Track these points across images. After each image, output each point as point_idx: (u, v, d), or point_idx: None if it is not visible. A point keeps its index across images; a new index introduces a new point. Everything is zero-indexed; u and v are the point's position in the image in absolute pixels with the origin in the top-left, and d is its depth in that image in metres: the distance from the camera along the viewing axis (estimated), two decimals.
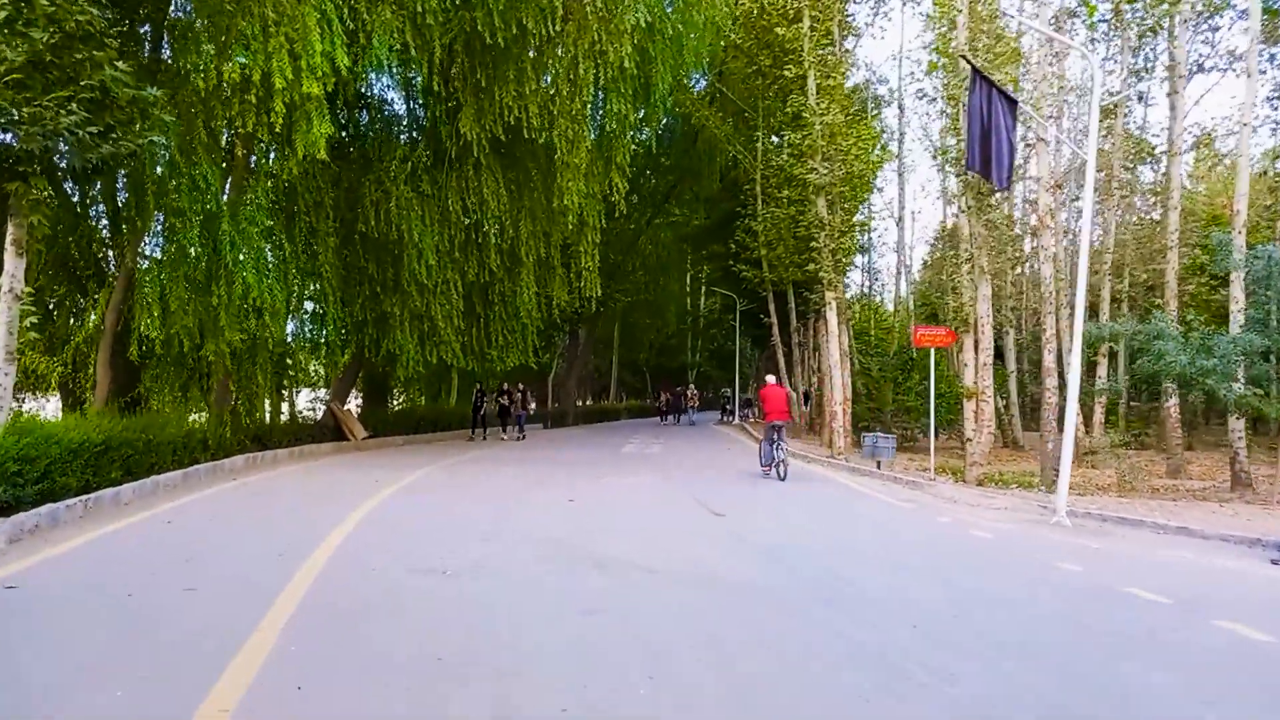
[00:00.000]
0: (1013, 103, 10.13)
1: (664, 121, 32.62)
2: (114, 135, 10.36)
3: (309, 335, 18.54)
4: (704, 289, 54.45)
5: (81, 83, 9.77)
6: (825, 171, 20.04)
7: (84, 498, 9.47)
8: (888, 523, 10.57)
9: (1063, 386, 20.35)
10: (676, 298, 49.55)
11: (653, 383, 54.92)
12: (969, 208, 15.58)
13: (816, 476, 16.28)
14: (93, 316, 13.86)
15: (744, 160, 30.14)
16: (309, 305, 18.08)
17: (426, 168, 17.58)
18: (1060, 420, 19.49)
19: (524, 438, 26.36)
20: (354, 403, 26.32)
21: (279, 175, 14.67)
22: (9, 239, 10.26)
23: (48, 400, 19.95)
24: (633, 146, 18.80)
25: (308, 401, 33.04)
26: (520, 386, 27.59)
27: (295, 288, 16.67)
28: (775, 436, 15.23)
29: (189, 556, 7.19)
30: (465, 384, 29.30)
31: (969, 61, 11.29)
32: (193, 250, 12.69)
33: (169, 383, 14.94)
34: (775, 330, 29.70)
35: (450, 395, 31.70)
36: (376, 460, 17.04)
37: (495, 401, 26.73)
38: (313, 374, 31.30)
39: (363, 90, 17.78)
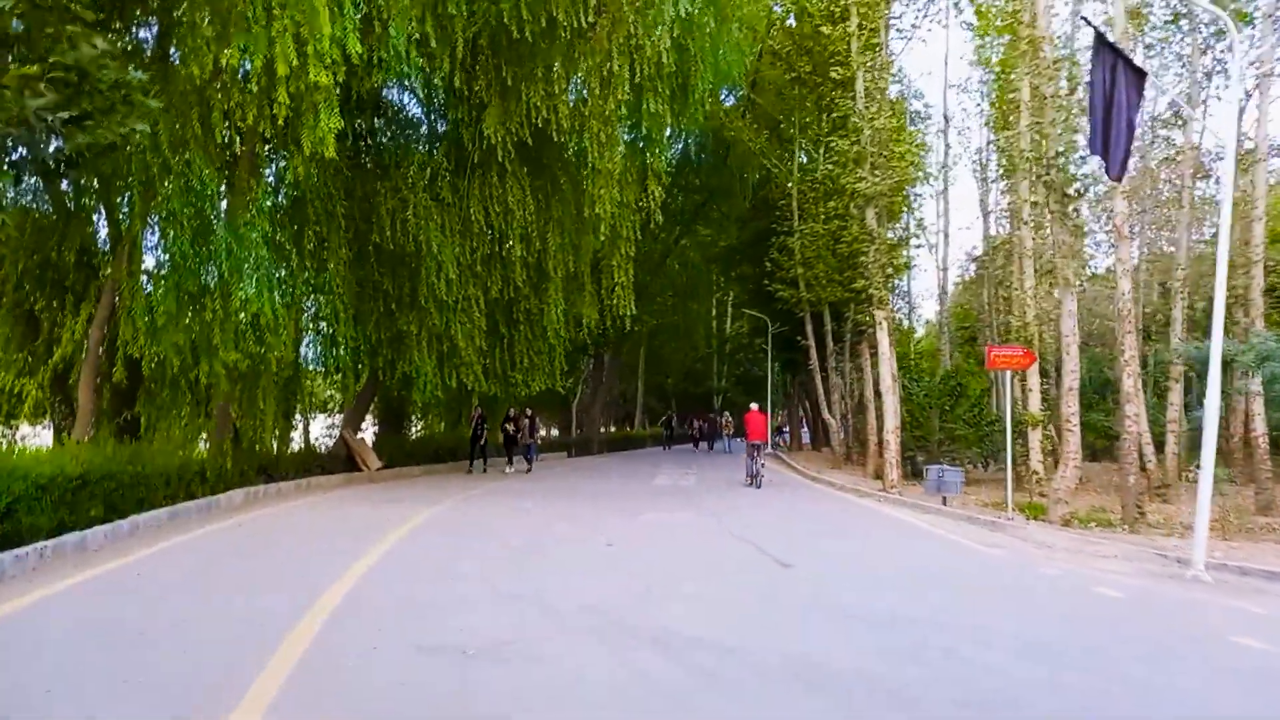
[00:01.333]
0: (1140, 76, 8.59)
1: (692, 139, 31.41)
2: (89, 123, 9.05)
3: (319, 357, 17.13)
4: (730, 313, 53.03)
5: (51, 60, 8.46)
6: (876, 180, 18.52)
7: (40, 545, 8.02)
8: (989, 577, 8.92)
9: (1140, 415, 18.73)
10: (703, 321, 48.02)
11: (679, 409, 53.24)
12: (1053, 212, 13.97)
13: (877, 514, 14.63)
14: (77, 331, 12.45)
15: (780, 174, 28.71)
16: (318, 324, 16.67)
17: (447, 174, 16.24)
18: (1140, 453, 17.83)
19: (530, 470, 22.90)
20: (370, 430, 24.95)
21: (284, 176, 13.34)
22: None
23: (46, 427, 18.60)
24: (670, 153, 17.30)
25: (325, 428, 31.62)
26: (528, 412, 23.61)
27: (303, 303, 15.32)
28: (755, 453, 19.37)
29: (144, 629, 5.71)
30: (487, 410, 27.49)
31: (1090, 24, 9.77)
32: (184, 259, 11.30)
33: (164, 408, 13.54)
34: (813, 353, 28.06)
35: (471, 422, 30.02)
36: (390, 493, 15.55)
37: (501, 429, 23.26)
38: (326, 399, 30.02)
39: (379, 89, 16.44)
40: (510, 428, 22.87)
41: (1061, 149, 13.75)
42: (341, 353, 15.73)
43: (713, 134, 34.15)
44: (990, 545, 10.95)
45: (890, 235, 23.06)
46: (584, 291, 18.45)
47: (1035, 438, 16.92)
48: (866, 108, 19.27)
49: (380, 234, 15.40)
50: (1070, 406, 13.92)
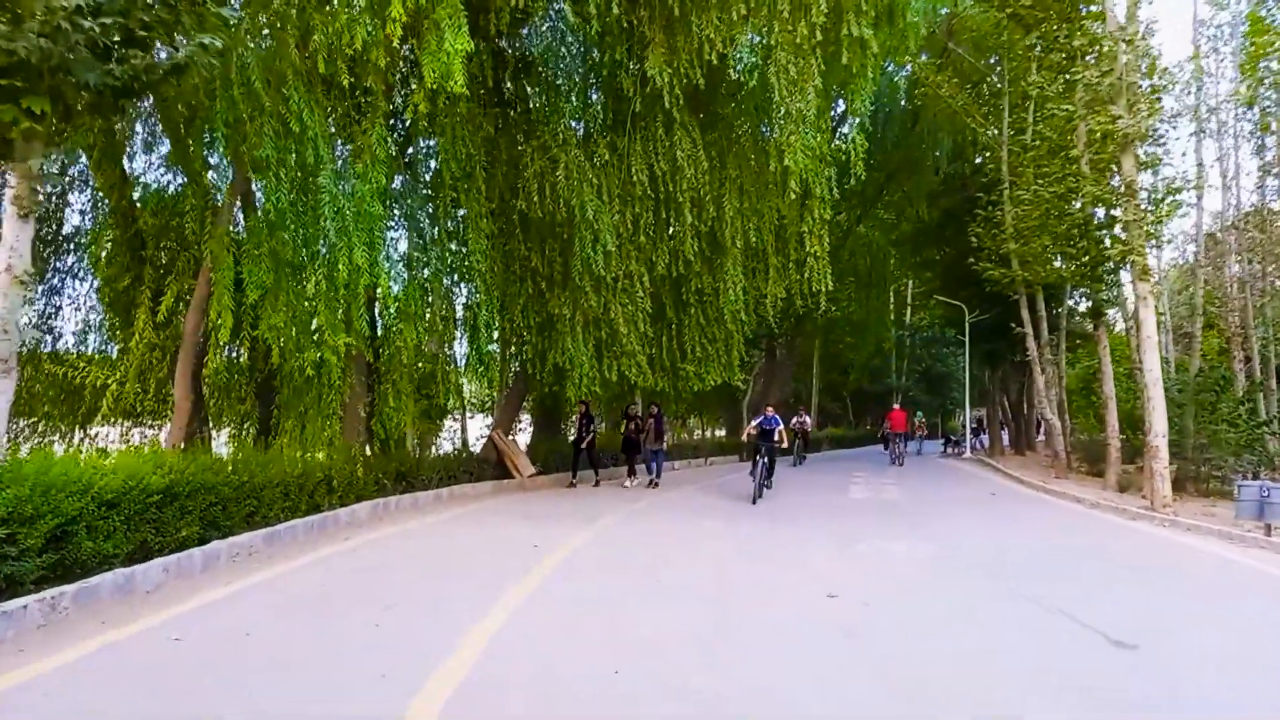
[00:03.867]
0: None
1: (876, 107, 27.55)
2: (145, 35, 6.98)
3: (461, 345, 14.94)
4: (910, 303, 48.50)
5: None
6: (1142, 115, 14.54)
7: (53, 593, 5.86)
8: None
9: None
10: (883, 312, 43.74)
11: (854, 409, 49.15)
12: None
13: (1177, 548, 10.83)
14: (161, 313, 10.64)
15: (984, 137, 24.68)
16: (458, 308, 14.46)
17: (603, 128, 13.70)
18: None
19: (656, 484, 17.20)
20: (527, 431, 22.95)
21: (402, 114, 11.11)
22: (7, 196, 7.04)
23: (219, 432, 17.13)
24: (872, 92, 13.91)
25: (485, 427, 29.95)
26: (654, 410, 17.36)
27: (443, 284, 13.16)
28: (898, 441, 27.17)
29: None
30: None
31: None
32: (283, 220, 9.15)
33: (287, 405, 11.68)
34: (1030, 342, 23.80)
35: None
36: (541, 507, 13.17)
37: (624, 430, 18.05)
38: (485, 397, 28.31)
39: (522, 36, 14.01)
40: (631, 429, 17.70)
41: None
42: (484, 342, 13.41)
43: (899, 99, 30.43)
44: None
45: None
46: (766, 266, 15.32)
47: None
48: (1122, 29, 15.26)
49: (527, 201, 12.99)
50: None
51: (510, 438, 17.02)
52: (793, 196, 13.25)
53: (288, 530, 9.05)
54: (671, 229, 14.23)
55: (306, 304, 9.47)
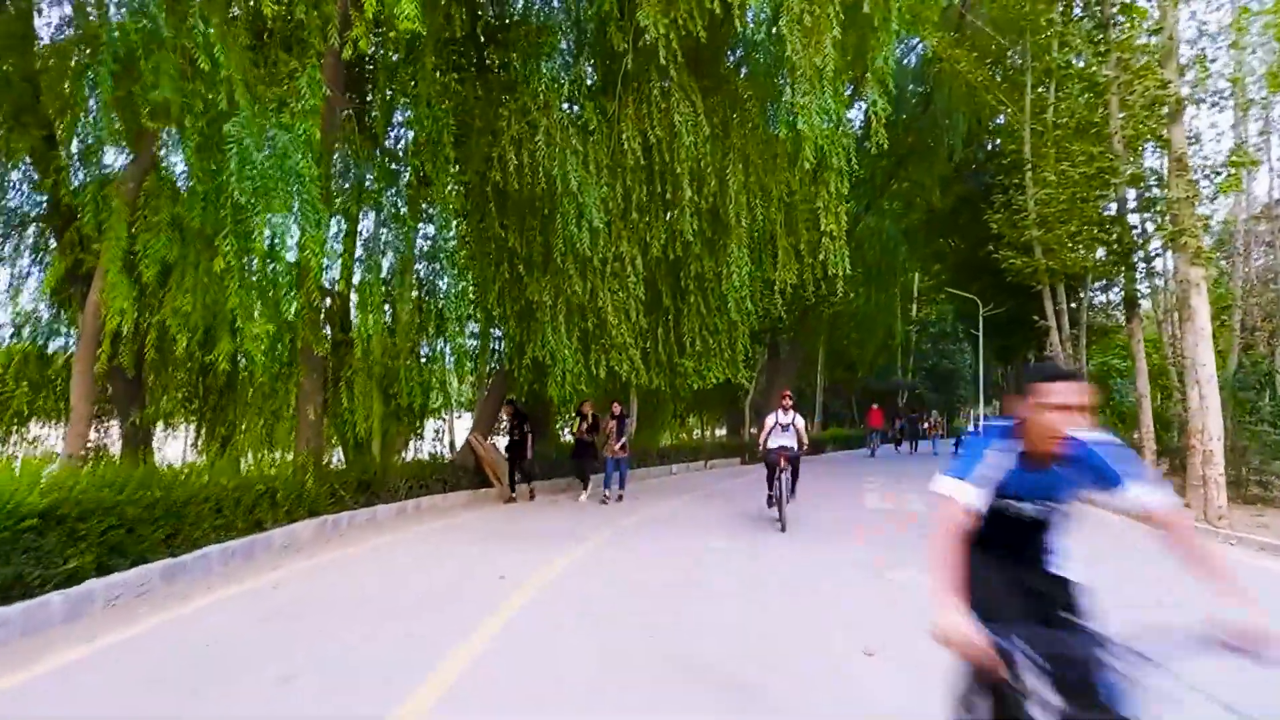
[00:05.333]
0: None
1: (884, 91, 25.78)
2: None
3: (430, 338, 13.19)
4: (915, 299, 46.96)
5: None
6: (1204, 77, 12.97)
7: None
8: None
9: None
10: (891, 306, 42.06)
11: (859, 408, 47.53)
12: None
13: (1247, 572, 9.21)
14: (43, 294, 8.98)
15: (1006, 115, 23.08)
16: (423, 295, 12.80)
17: (590, 91, 12.03)
18: None
19: (621, 498, 14.49)
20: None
21: (361, 73, 9.47)
22: None
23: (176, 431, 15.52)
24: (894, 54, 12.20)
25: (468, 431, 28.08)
26: (616, 410, 14.51)
27: (400, 264, 11.54)
28: (874, 436, 32.33)
29: None
30: (647, 408, 22.84)
31: None
32: (190, 177, 7.45)
33: (225, 409, 10.06)
34: (1054, 336, 22.21)
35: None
36: (517, 523, 11.57)
37: (577, 432, 15.25)
38: (471, 395, 26.60)
39: None
40: (584, 429, 15.06)
41: None
42: (454, 334, 11.73)
43: (909, 82, 28.80)
44: None
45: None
46: (775, 248, 13.55)
47: None
48: None
49: (503, 171, 11.30)
50: None
51: (490, 441, 15.39)
52: (807, 167, 11.46)
53: (198, 560, 7.42)
54: (668, 205, 12.53)
55: (217, 284, 7.82)
